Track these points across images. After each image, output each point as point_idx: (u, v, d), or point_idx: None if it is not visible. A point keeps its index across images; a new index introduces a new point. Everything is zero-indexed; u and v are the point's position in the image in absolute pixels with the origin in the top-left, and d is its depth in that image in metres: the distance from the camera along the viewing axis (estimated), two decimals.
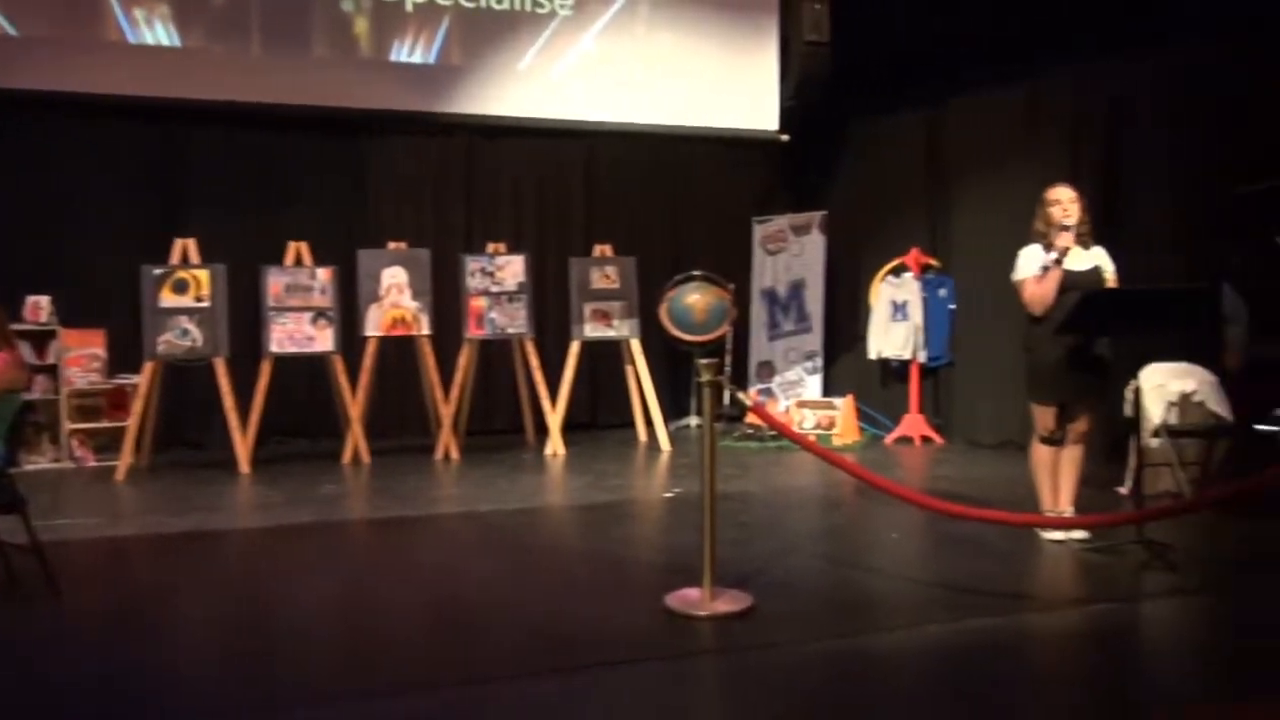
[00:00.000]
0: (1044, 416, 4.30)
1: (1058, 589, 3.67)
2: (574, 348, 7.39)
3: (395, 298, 7.01)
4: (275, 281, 6.74)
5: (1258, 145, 6.00)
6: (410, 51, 7.82)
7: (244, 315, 6.85)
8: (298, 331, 6.75)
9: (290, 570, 4.09)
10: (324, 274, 6.87)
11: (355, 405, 6.77)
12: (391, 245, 7.20)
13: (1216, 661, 2.94)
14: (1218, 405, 5.13)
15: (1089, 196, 5.94)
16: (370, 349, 6.91)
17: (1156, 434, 4.99)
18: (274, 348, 6.65)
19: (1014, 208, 7.08)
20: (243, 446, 6.41)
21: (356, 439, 6.78)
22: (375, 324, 6.96)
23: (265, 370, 6.59)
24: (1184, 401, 5.12)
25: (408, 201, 8.16)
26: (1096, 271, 4.31)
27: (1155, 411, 5.02)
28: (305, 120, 7.67)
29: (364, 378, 6.86)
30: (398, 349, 7.64)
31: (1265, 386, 5.39)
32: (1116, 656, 3.01)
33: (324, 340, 6.80)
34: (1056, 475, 4.33)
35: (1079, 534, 4.19)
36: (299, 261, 6.88)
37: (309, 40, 7.58)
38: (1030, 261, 4.30)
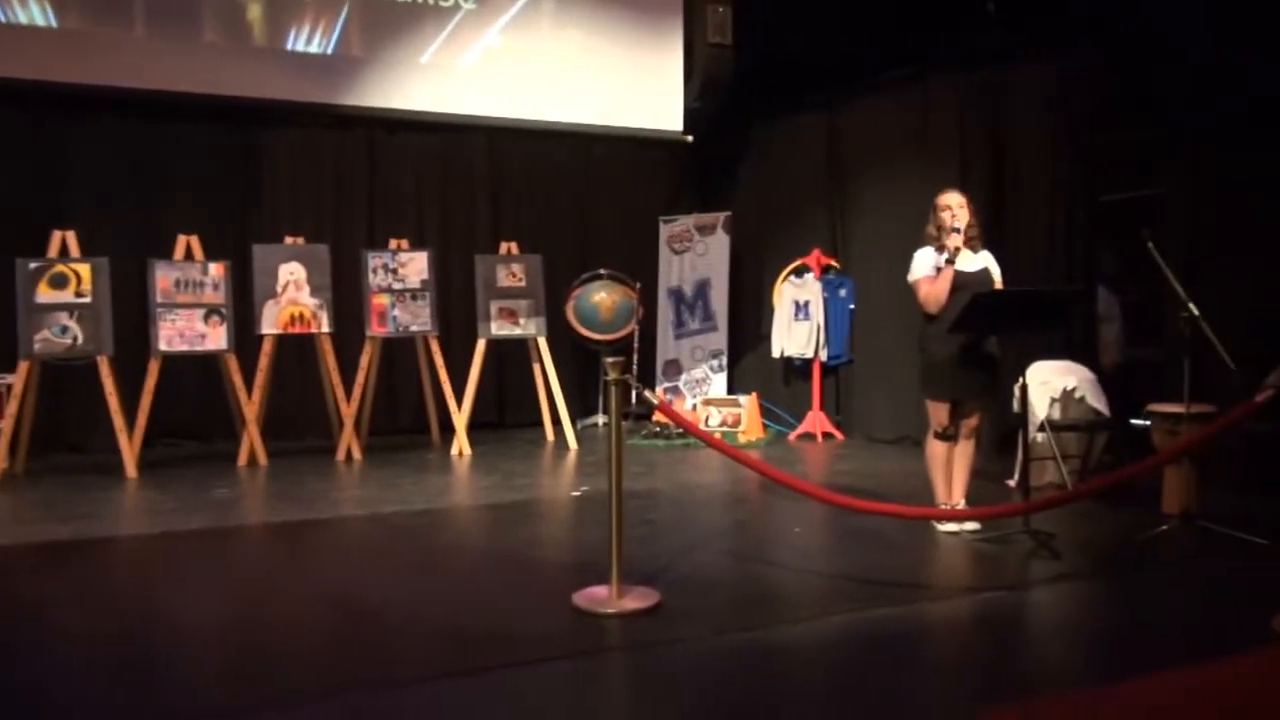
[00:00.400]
0: (938, 413, 4.46)
1: (951, 578, 3.81)
2: (480, 346, 7.31)
3: (293, 294, 6.80)
4: (163, 276, 6.46)
5: (1127, 154, 6.37)
6: (307, 41, 7.60)
7: (129, 312, 6.54)
8: (188, 329, 6.48)
9: (181, 579, 3.93)
10: (216, 269, 6.62)
11: (251, 405, 6.55)
12: (289, 240, 6.99)
13: (1096, 642, 3.11)
14: (1097, 401, 5.42)
15: (977, 201, 6.21)
16: (266, 347, 6.69)
17: (1041, 429, 5.24)
18: (163, 346, 6.37)
19: (908, 210, 7.33)
20: (129, 449, 6.12)
21: (253, 440, 6.56)
22: (271, 321, 6.74)
23: (153, 369, 6.31)
24: (1066, 398, 5.39)
25: (306, 195, 7.93)
26: (985, 273, 4.50)
27: (1040, 407, 5.28)
28: (195, 109, 7.38)
29: (260, 377, 6.63)
30: (296, 347, 7.42)
31: (1138, 383, 5.74)
32: (1006, 641, 3.15)
33: (216, 338, 6.55)
34: (950, 470, 4.50)
35: (971, 525, 4.37)
36: (189, 256, 6.60)
37: (198, 25, 7.28)
38: (923, 263, 4.47)
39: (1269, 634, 2.95)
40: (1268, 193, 5.39)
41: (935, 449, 4.50)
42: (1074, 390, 5.39)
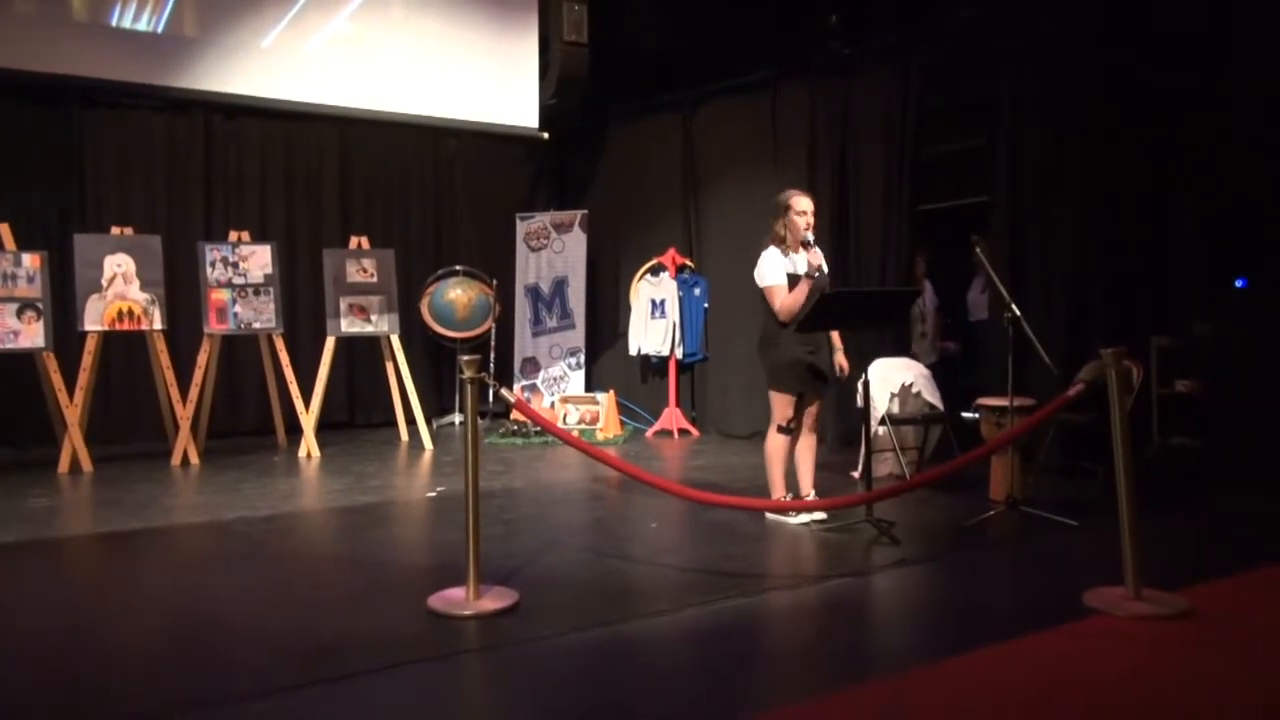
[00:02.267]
0: (785, 406, 4.59)
1: (800, 567, 3.97)
2: (329, 343, 7.08)
3: (120, 288, 6.37)
4: None
5: (954, 162, 6.82)
6: (134, 18, 7.13)
7: None
8: None
9: None
10: (31, 260, 6.12)
11: (73, 408, 6.09)
12: (115, 230, 6.54)
13: (932, 621, 3.32)
14: (931, 396, 5.76)
15: (822, 202, 6.49)
16: (90, 345, 6.24)
17: (882, 422, 5.52)
18: None
19: (759, 211, 7.57)
20: None
21: (75, 445, 6.10)
22: (96, 317, 6.28)
23: None
24: (904, 392, 5.70)
25: (134, 183, 7.46)
26: (823, 273, 4.66)
27: (880, 403, 5.56)
28: (3, 85, 6.79)
29: (83, 377, 6.18)
30: (124, 345, 6.98)
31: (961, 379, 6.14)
32: (851, 624, 3.31)
33: (32, 335, 6.05)
34: (788, 463, 4.67)
35: (818, 515, 4.56)
36: None
37: None
38: (775, 267, 4.53)
39: (1081, 607, 3.23)
40: (1082, 202, 5.88)
41: (778, 442, 4.63)
42: (911, 386, 5.71)
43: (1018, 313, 4.58)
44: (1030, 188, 6.12)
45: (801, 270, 4.55)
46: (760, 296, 4.62)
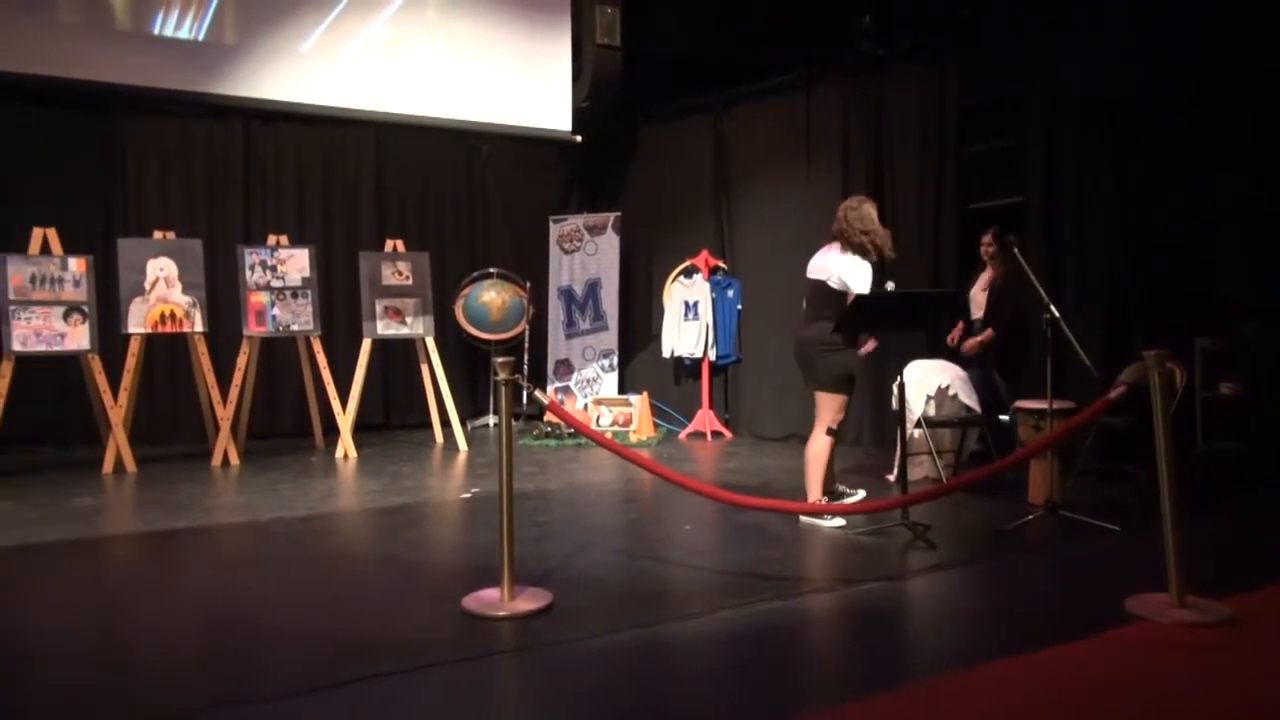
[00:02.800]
0: (838, 409, 4.59)
1: (834, 570, 3.94)
2: (365, 345, 7.14)
3: (163, 291, 6.48)
4: (16, 272, 6.05)
5: (992, 163, 6.73)
6: (176, 25, 7.26)
7: None
8: (45, 328, 6.09)
9: (40, 594, 3.69)
10: (77, 264, 6.24)
11: (117, 409, 6.20)
12: (158, 235, 6.65)
13: (970, 626, 3.27)
14: (968, 398, 5.69)
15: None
16: (133, 347, 6.35)
17: (918, 425, 5.46)
18: (16, 346, 5.97)
19: (792, 212, 7.57)
20: None
21: (119, 446, 6.21)
22: (139, 320, 6.40)
23: (5, 371, 5.90)
24: (940, 395, 5.63)
25: (176, 188, 7.60)
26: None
27: (916, 404, 5.50)
28: (50, 93, 6.94)
29: (127, 378, 6.29)
30: (167, 348, 7.10)
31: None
32: (887, 629, 3.28)
33: (78, 338, 6.18)
34: (830, 467, 4.67)
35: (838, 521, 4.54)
36: (46, 250, 6.21)
37: (53, 4, 6.85)
38: (869, 279, 4.56)
39: (1123, 614, 3.17)
40: (1120, 200, 5.78)
41: (825, 445, 4.61)
42: (948, 388, 5.64)
43: (1056, 314, 4.51)
44: (1066, 186, 6.03)
45: (889, 282, 4.71)
46: (824, 300, 4.58)
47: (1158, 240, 5.64)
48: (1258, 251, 5.43)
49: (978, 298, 6.30)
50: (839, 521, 4.51)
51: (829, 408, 4.58)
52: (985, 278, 5.99)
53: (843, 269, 4.56)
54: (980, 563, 4.01)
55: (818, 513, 4.54)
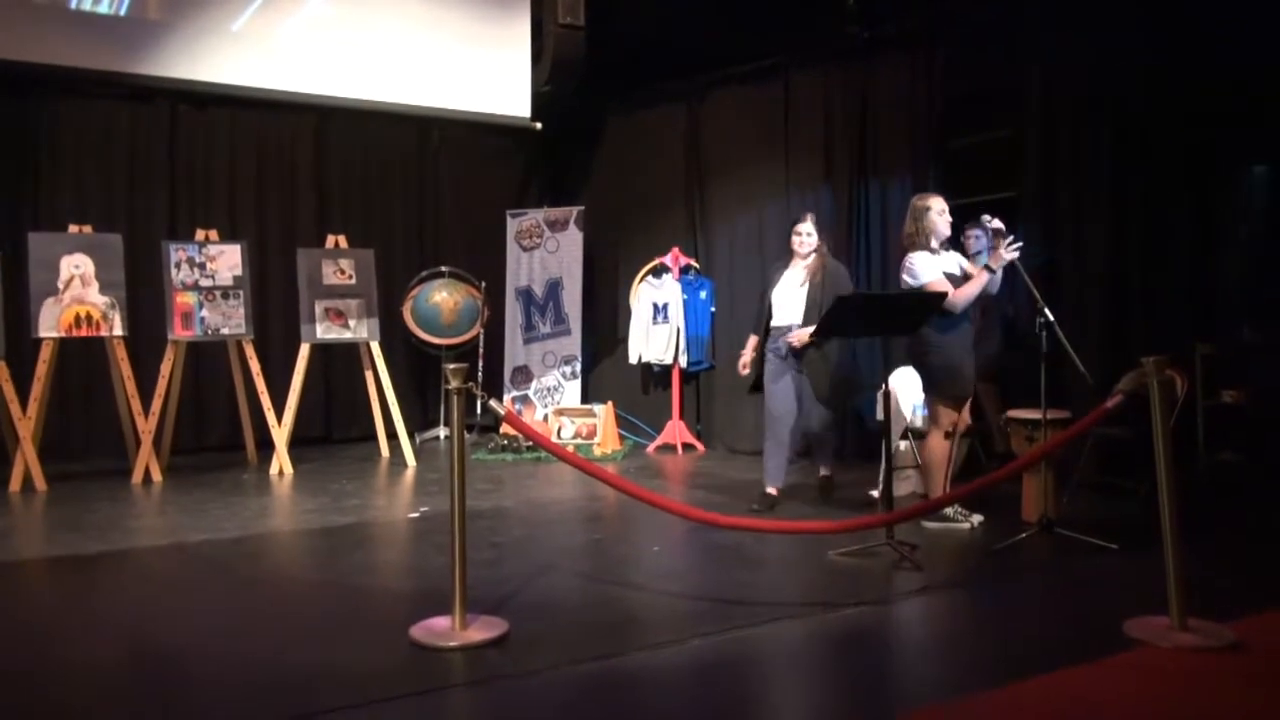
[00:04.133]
0: (950, 412, 4.86)
1: (814, 594, 3.95)
2: (304, 351, 7.08)
3: (78, 291, 6.37)
4: None
5: (982, 155, 6.82)
6: (94, 0, 7.14)
7: None
8: None
9: None
10: None
11: (26, 421, 6.08)
12: (73, 229, 6.55)
13: (961, 653, 3.30)
14: None
15: (842, 197, 6.49)
16: (45, 353, 6.24)
17: (904, 436, 5.51)
18: None
19: (770, 206, 7.62)
20: None
21: (28, 462, 6.09)
22: (52, 323, 6.29)
23: None
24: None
25: (94, 177, 7.49)
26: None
27: (902, 414, 5.55)
28: None
29: (37, 388, 6.18)
30: (82, 353, 6.98)
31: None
32: (871, 657, 3.30)
33: None
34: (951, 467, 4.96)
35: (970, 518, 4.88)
36: None
37: None
38: (929, 266, 4.80)
39: (1121, 638, 3.22)
40: (1119, 197, 5.88)
41: (944, 447, 4.88)
42: None
43: (1051, 318, 4.57)
44: (1063, 182, 6.12)
45: (955, 269, 4.87)
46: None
47: (1159, 239, 5.74)
48: (1263, 251, 5.54)
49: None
50: (977, 518, 4.85)
51: (945, 410, 4.87)
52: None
53: (907, 267, 4.86)
54: (970, 584, 4.05)
55: (946, 512, 4.84)
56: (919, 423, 5.61)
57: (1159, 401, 3.29)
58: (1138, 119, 5.76)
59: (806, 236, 5.50)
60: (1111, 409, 3.47)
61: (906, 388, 5.64)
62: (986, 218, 4.91)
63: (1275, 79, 5.36)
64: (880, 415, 4.82)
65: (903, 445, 5.52)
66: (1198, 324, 5.65)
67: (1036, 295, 4.67)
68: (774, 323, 5.51)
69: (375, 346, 7.28)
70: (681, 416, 8.11)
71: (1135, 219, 5.82)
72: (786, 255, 5.60)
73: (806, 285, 5.41)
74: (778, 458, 5.41)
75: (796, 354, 5.38)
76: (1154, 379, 3.30)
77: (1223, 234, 5.68)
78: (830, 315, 4.46)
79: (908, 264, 4.85)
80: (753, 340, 5.63)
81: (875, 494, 5.62)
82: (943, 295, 4.71)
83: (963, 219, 6.52)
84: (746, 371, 5.61)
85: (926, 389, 4.96)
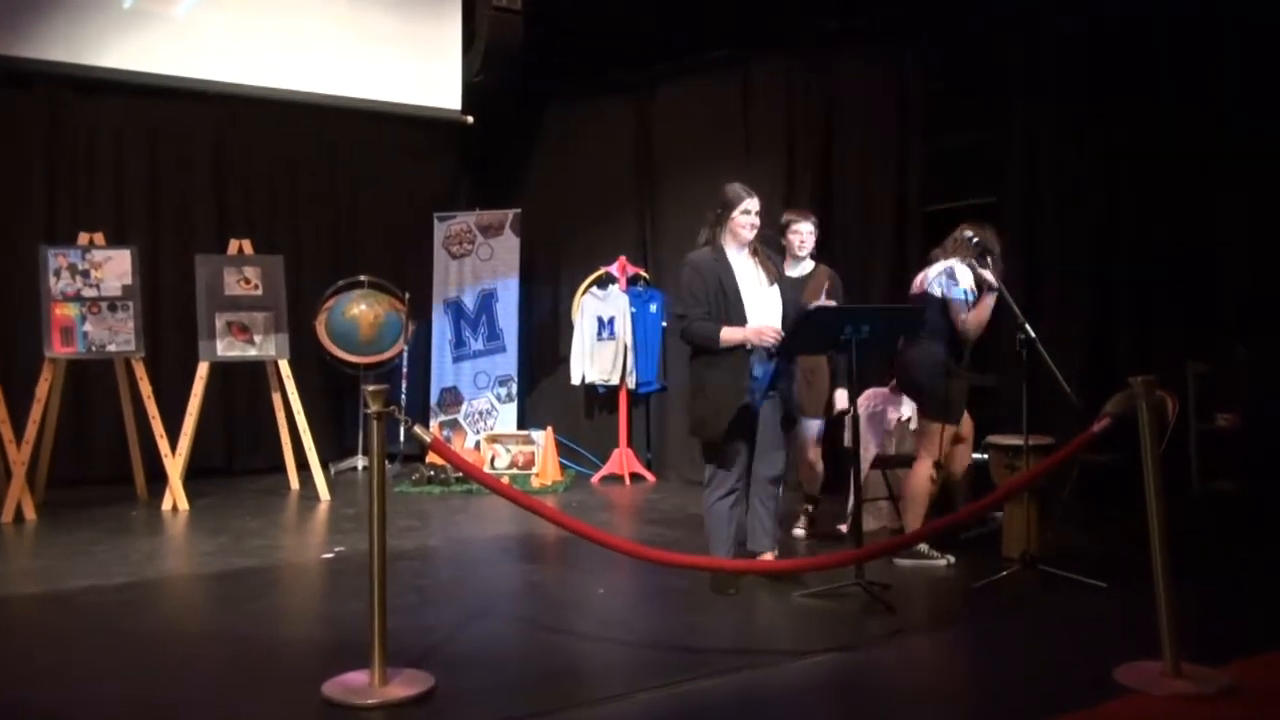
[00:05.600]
0: (941, 440, 4.96)
1: (778, 641, 3.97)
2: (202, 370, 6.98)
3: None
4: None
5: (962, 157, 6.96)
6: None
7: None
8: None
9: None
10: None
11: None
12: None
13: (938, 704, 3.33)
14: None
15: (806, 204, 6.56)
16: None
17: (874, 464, 5.57)
18: None
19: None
20: None
21: None
22: None
23: None
24: (901, 429, 5.76)
25: None
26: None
27: (873, 440, 5.61)
28: None
29: None
30: None
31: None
32: (841, 708, 3.32)
33: None
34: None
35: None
36: None
37: None
38: (969, 280, 4.90)
39: (1112, 685, 3.27)
40: (1107, 204, 6.02)
41: (928, 480, 4.96)
42: (909, 421, 5.77)
43: (1032, 334, 4.66)
44: (1046, 187, 6.26)
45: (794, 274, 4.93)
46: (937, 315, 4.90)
47: (1150, 249, 5.88)
48: (1260, 263, 5.68)
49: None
50: (950, 558, 4.90)
51: (932, 438, 4.98)
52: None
53: (946, 276, 4.97)
54: (947, 628, 4.10)
55: (920, 548, 4.90)
56: (890, 449, 5.67)
57: (1149, 425, 3.36)
58: (1133, 116, 5.90)
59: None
60: (1098, 433, 3.54)
61: (875, 412, 5.71)
62: (969, 233, 4.98)
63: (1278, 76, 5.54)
64: (848, 441, 4.87)
65: (872, 474, 5.57)
66: (1190, 341, 5.79)
67: (1016, 310, 4.76)
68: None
69: (284, 365, 7.20)
70: (630, 444, 8.11)
71: (1125, 226, 5.96)
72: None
73: (777, 286, 4.76)
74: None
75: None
76: (1143, 400, 3.38)
77: (1221, 242, 5.81)
78: (797, 330, 4.47)
79: (947, 272, 4.95)
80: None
81: (843, 528, 5.68)
82: (920, 310, 4.80)
83: (940, 229, 6.64)
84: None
85: (927, 414, 5.06)
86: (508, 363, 8.69)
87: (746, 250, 4.71)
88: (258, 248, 7.47)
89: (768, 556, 4.66)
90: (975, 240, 4.94)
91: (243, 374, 7.87)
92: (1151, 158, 5.87)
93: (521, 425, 8.54)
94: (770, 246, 4.96)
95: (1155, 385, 3.41)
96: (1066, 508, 5.46)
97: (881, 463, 5.65)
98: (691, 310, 4.60)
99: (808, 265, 5.59)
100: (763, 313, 4.58)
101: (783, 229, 5.58)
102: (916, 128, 6.85)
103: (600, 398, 8.46)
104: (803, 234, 5.52)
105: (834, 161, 7.21)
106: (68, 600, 4.56)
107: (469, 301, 8.81)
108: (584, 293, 8.36)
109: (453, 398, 8.79)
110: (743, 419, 4.52)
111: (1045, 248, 6.24)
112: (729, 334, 4.47)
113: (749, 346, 4.48)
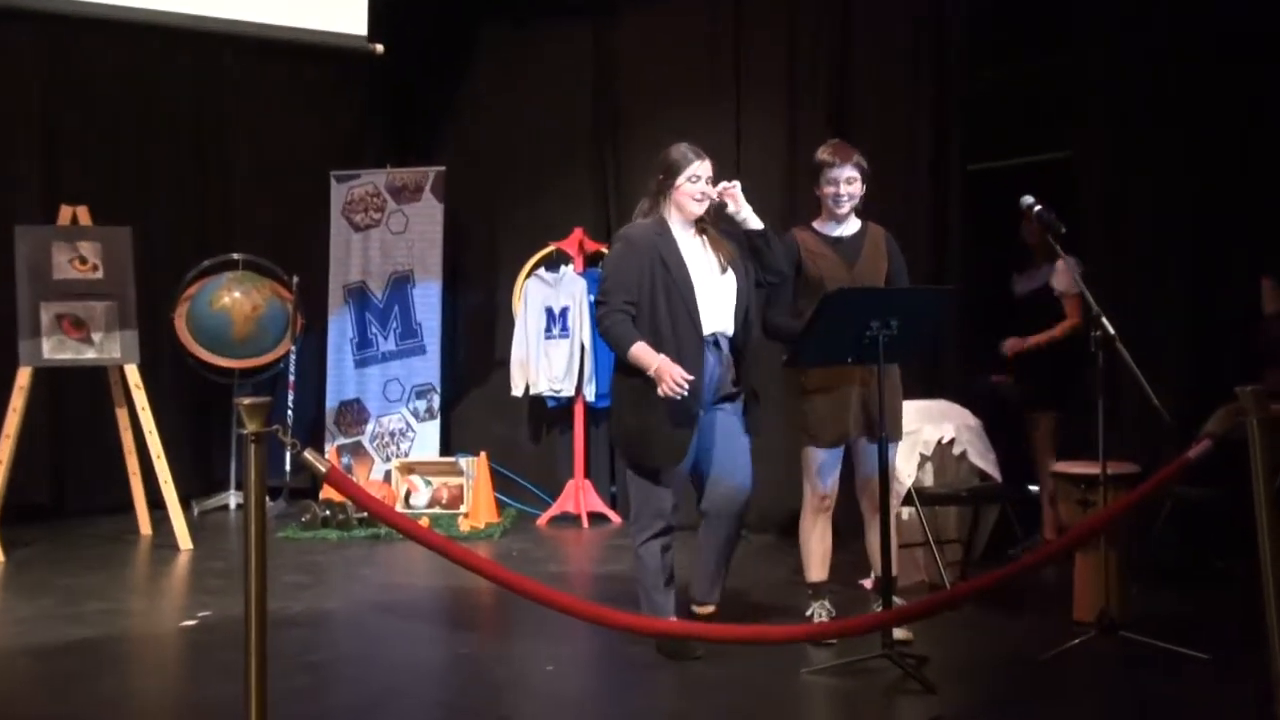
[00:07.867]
0: None
1: None
2: (22, 378, 6.94)
3: None
4: None
5: (1020, 96, 6.98)
6: None
7: None
8: None
9: None
10: None
11: None
12: None
13: None
14: (983, 459, 5.84)
15: (809, 154, 6.54)
16: None
17: (908, 501, 5.57)
18: None
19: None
20: None
21: None
22: None
23: None
24: (941, 454, 5.77)
25: None
26: None
27: (906, 469, 5.61)
28: None
29: None
30: None
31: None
32: None
33: None
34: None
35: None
36: None
37: None
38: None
39: None
40: (1210, 166, 6.03)
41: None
42: (951, 443, 5.78)
43: (1111, 330, 4.67)
44: (1128, 143, 6.28)
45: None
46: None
47: (1263, 224, 5.91)
48: None
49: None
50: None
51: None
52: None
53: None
54: (1003, 713, 4.09)
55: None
56: (928, 481, 5.68)
57: (1260, 449, 3.37)
58: (1237, 49, 5.91)
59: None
60: (1196, 459, 3.54)
61: (910, 431, 5.71)
62: (1029, 200, 4.99)
63: None
64: (868, 471, 4.85)
65: (906, 514, 5.58)
66: None
67: (1090, 301, 4.76)
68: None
69: (132, 371, 7.15)
70: (588, 474, 8.10)
71: (1229, 190, 5.97)
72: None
73: (730, 272, 4.80)
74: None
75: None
76: (1254, 417, 3.38)
77: None
78: (816, 317, 4.45)
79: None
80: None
81: (868, 583, 5.67)
82: (952, 291, 4.88)
83: (990, 191, 6.67)
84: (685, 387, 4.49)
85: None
86: (428, 368, 8.66)
87: (694, 229, 4.78)
88: (97, 217, 7.40)
89: (708, 609, 4.76)
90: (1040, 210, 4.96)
91: (78, 382, 7.79)
92: (1267, 106, 5.89)
93: (446, 451, 8.52)
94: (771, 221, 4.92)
95: (1270, 397, 3.42)
96: (1156, 558, 5.50)
97: (916, 497, 5.62)
98: (614, 298, 4.64)
99: (853, 224, 5.14)
100: (715, 306, 4.69)
101: (815, 174, 5.10)
102: (957, 58, 6.87)
103: (550, 414, 8.43)
104: (840, 182, 4.98)
105: (850, 104, 7.22)
106: None
107: (376, 288, 8.77)
108: (528, 276, 8.34)
109: (355, 414, 8.74)
110: (686, 434, 4.58)
111: (1132, 218, 6.25)
112: (640, 354, 4.51)
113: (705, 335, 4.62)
